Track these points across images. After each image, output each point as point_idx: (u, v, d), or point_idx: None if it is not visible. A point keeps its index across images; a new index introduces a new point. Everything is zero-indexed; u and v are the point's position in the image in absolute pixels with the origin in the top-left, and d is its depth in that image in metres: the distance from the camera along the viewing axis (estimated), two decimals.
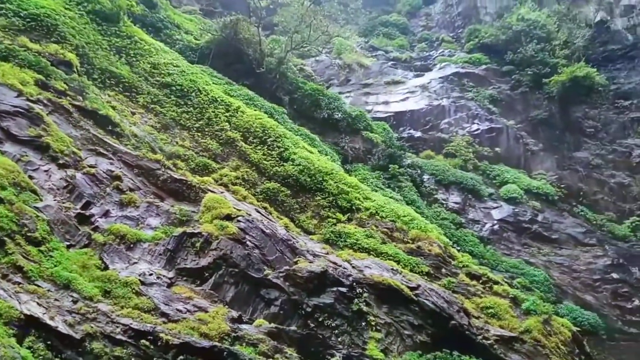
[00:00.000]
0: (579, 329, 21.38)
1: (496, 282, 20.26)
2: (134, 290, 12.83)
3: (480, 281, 20.14)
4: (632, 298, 26.97)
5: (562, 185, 33.64)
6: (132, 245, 14.62)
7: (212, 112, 21.73)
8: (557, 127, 36.89)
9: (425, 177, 30.30)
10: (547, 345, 17.85)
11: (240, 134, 21.63)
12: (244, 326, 13.06)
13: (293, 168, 20.96)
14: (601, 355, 24.55)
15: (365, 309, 15.56)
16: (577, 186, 34.31)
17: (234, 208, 16.80)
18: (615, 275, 27.67)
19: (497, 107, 36.96)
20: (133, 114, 19.79)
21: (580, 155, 35.92)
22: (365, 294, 15.98)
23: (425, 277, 18.74)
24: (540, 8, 42.68)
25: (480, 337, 16.86)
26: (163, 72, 22.41)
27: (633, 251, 29.88)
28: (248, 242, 15.64)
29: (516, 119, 36.91)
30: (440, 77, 38.76)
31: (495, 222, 29.30)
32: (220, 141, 20.89)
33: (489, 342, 16.84)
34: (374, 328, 15.45)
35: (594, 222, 32.00)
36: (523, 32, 39.43)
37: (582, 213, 32.47)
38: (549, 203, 31.76)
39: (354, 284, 16.03)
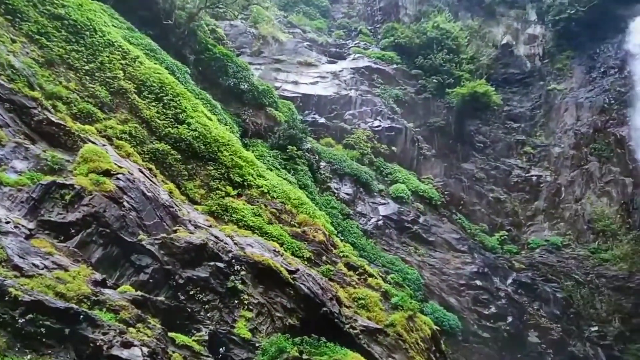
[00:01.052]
0: (439, 328, 23.10)
1: (371, 275, 21.19)
2: None
3: (357, 272, 20.95)
4: (490, 305, 29.70)
5: (446, 192, 36.07)
6: None
7: (107, 56, 20.18)
8: (451, 137, 39.38)
9: (323, 164, 30.82)
10: (407, 340, 19.03)
11: (135, 86, 20.34)
12: (107, 291, 12.39)
13: (188, 132, 20.18)
14: (455, 355, 26.83)
15: (240, 287, 15.49)
16: (459, 195, 37.01)
17: (115, 164, 15.81)
18: (478, 283, 30.25)
19: (400, 108, 38.54)
20: (13, 41, 17.77)
21: (467, 167, 38.72)
22: (242, 272, 15.89)
23: (306, 262, 19.09)
24: (455, 20, 45.02)
25: (348, 326, 17.55)
26: (56, 1, 20.36)
27: (497, 262, 32.89)
28: (125, 203, 14.82)
29: (416, 123, 38.80)
30: (352, 68, 39.56)
31: (381, 217, 30.65)
32: (111, 90, 19.49)
33: (355, 331, 17.59)
34: (246, 307, 15.44)
35: (469, 230, 34.74)
36: (436, 40, 41.38)
37: (460, 221, 35.08)
38: (431, 207, 33.87)
39: (233, 260, 15.88)
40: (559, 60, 45.01)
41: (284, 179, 23.94)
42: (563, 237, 36.34)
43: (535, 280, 32.70)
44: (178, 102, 20.92)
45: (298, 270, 17.49)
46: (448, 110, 39.68)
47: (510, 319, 29.52)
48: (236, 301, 15.31)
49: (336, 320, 17.22)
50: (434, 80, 39.73)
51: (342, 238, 25.26)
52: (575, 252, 35.30)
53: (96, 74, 19.40)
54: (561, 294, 32.53)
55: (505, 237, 35.96)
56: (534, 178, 39.06)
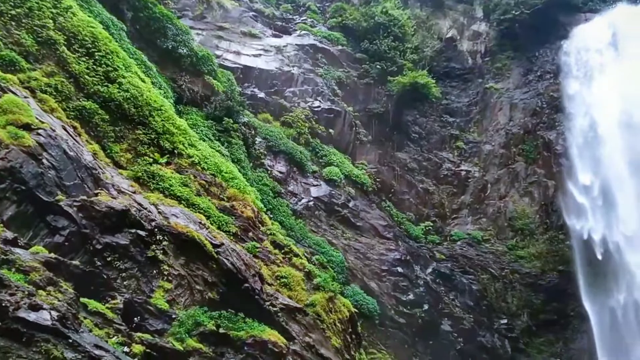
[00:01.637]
0: (357, 311, 24.07)
1: (297, 255, 21.72)
2: None
3: (283, 251, 21.42)
4: (409, 292, 31.10)
5: (378, 179, 37.11)
6: None
7: (36, 3, 19.14)
8: (388, 125, 40.35)
9: (258, 139, 30.87)
10: (326, 321, 19.80)
11: (65, 37, 19.47)
12: (17, 250, 12.08)
13: (118, 92, 19.64)
14: (370, 338, 28.04)
15: (161, 257, 15.52)
16: (390, 183, 38.20)
17: (37, 118, 15.22)
18: (400, 270, 31.55)
19: (341, 90, 38.99)
20: None
21: (401, 156, 39.92)
22: (164, 242, 15.91)
23: (231, 237, 19.29)
24: (404, 8, 45.76)
25: (268, 303, 18.01)
26: None
27: (420, 251, 34.41)
28: (45, 160, 14.37)
29: (355, 107, 39.41)
30: (297, 44, 39.48)
31: (312, 199, 31.22)
32: (39, 39, 18.57)
33: (275, 309, 18.09)
34: (165, 278, 15.52)
35: (396, 218, 36.04)
36: (383, 26, 41.91)
37: (388, 208, 36.29)
38: (362, 192, 34.81)
39: (156, 229, 15.85)
40: (499, 59, 46.81)
41: (217, 150, 23.87)
42: (484, 232, 38.34)
43: (454, 272, 34.48)
44: (110, 59, 20.28)
45: (223, 244, 17.69)
46: (388, 98, 40.55)
47: (426, 306, 31.05)
48: (155, 271, 15.35)
49: (257, 297, 17.63)
50: (378, 66, 40.38)
51: (271, 216, 25.59)
52: (493, 247, 37.43)
53: (23, 21, 18.43)
54: (476, 286, 34.54)
55: (430, 227, 37.53)
56: (463, 173, 40.81)
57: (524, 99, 43.47)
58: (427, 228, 37.23)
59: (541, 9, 45.17)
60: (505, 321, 34.01)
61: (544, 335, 34.32)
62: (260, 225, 21.89)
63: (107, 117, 19.11)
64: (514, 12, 45.56)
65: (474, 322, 32.60)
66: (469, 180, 40.63)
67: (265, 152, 30.78)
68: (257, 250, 20.13)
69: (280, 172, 30.71)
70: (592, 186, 36.03)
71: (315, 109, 36.35)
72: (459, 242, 37.31)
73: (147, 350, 12.63)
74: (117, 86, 19.78)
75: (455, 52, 46.95)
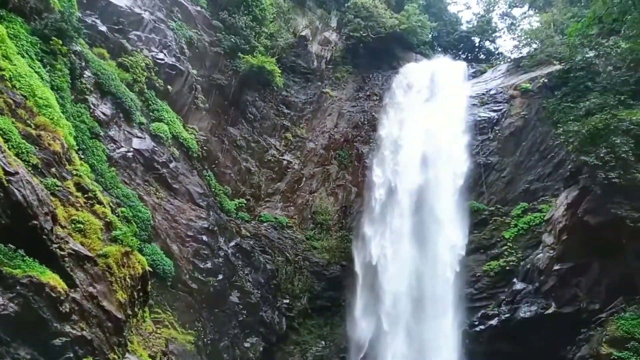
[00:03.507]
0: (152, 270, 22.67)
1: (100, 203, 19.64)
2: None
3: (86, 196, 19.19)
4: (207, 261, 30.48)
5: (205, 148, 35.79)
6: None
7: None
8: (228, 99, 39.24)
9: (87, 73, 27.22)
10: (116, 274, 18.19)
11: None
12: None
13: None
14: (158, 298, 26.85)
15: None
16: (217, 155, 37.23)
17: None
18: (205, 238, 30.76)
19: (190, 51, 36.60)
20: None
21: (232, 132, 39.15)
22: None
23: (30, 169, 16.64)
24: None
25: (56, 246, 15.92)
26: None
27: (228, 225, 34.09)
28: None
29: (200, 72, 37.44)
30: None
31: (132, 150, 28.71)
32: None
33: (62, 253, 16.07)
34: None
35: (213, 189, 35.21)
36: (245, 3, 40.44)
37: (208, 178, 35.26)
38: (186, 156, 33.19)
39: None
40: (340, 70, 48.85)
41: (36, 72, 20.45)
42: (290, 219, 39.56)
43: (254, 249, 34.86)
44: None
45: (17, 173, 15.10)
46: (234, 73, 39.28)
47: (220, 277, 30.78)
48: None
49: (45, 237, 15.46)
50: (232, 40, 38.75)
51: (83, 157, 22.84)
52: (294, 235, 38.81)
53: None
54: (271, 266, 35.40)
55: (243, 205, 37.48)
56: (285, 162, 41.64)
57: (350, 112, 45.90)
58: (240, 205, 37.04)
59: (384, 38, 48.40)
60: (287, 301, 35.44)
61: (316, 318, 36.63)
62: (67, 163, 19.28)
63: None
64: (361, 32, 47.85)
65: (260, 297, 33.28)
66: (288, 170, 41.58)
67: (92, 89, 27.22)
68: (57, 188, 17.68)
69: (104, 114, 27.55)
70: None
71: (158, 61, 33.46)
72: (265, 224, 37.87)
73: None
74: None
75: (305, 51, 47.64)
